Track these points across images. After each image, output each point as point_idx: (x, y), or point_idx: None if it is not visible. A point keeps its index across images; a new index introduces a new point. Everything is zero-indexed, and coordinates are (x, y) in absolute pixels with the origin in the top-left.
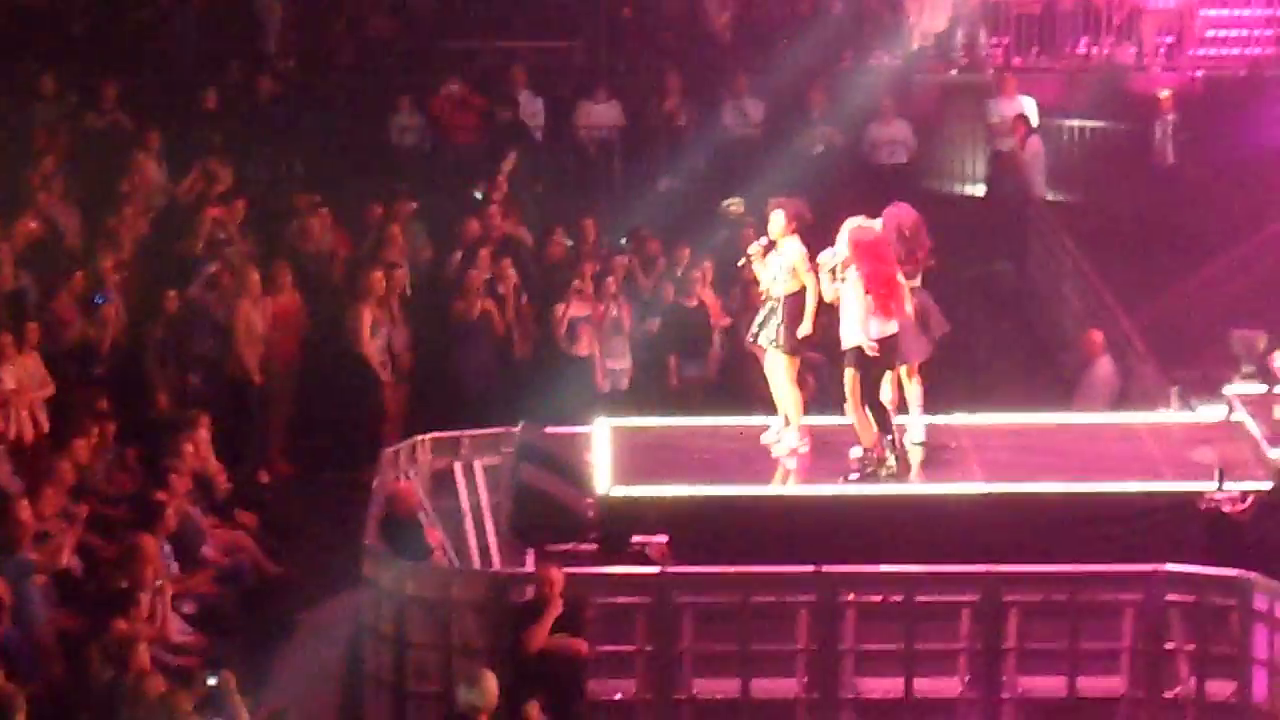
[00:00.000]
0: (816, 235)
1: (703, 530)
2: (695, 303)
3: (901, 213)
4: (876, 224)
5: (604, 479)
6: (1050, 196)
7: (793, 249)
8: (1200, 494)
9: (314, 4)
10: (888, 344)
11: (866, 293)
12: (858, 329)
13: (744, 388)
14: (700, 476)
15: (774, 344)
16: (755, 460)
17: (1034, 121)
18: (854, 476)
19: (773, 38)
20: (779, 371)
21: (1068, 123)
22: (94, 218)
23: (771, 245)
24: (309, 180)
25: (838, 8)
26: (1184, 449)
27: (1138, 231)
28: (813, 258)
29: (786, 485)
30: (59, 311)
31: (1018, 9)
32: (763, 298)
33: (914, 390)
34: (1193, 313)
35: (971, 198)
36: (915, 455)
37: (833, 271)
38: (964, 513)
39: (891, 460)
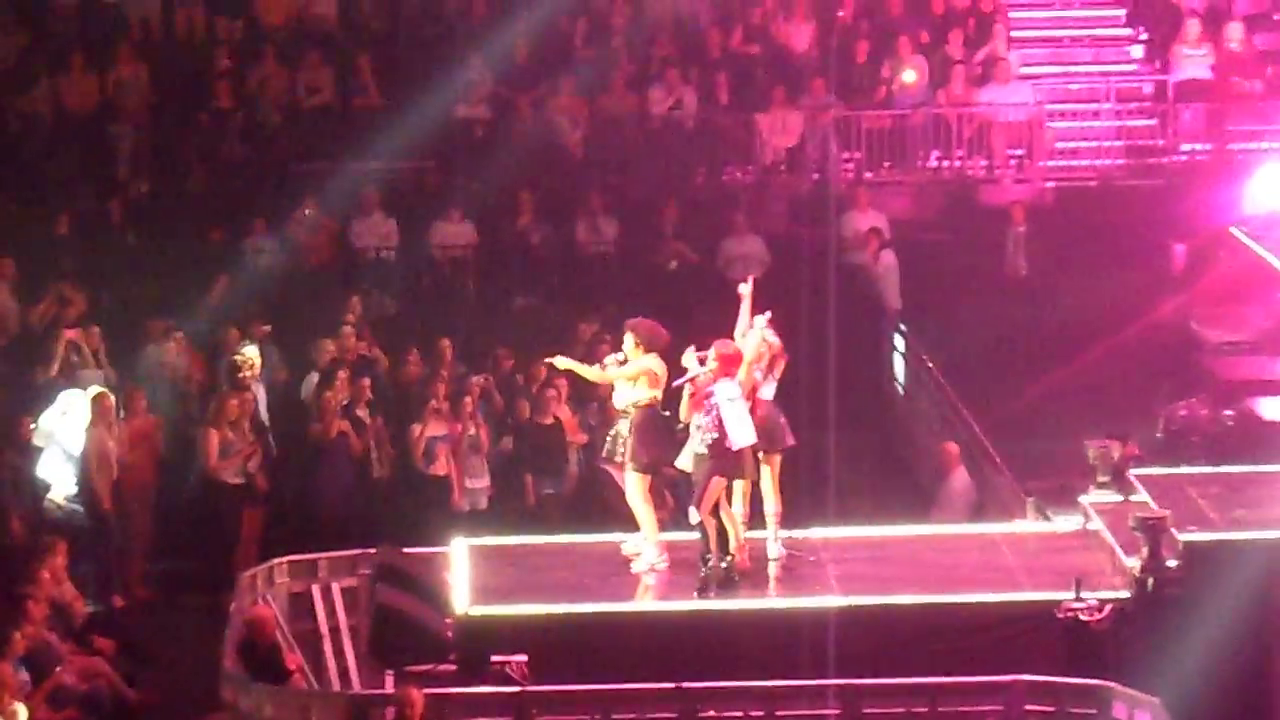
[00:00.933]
0: (675, 355)
1: (562, 648)
2: (551, 420)
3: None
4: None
5: (462, 599)
6: (903, 308)
7: (640, 366)
8: (1058, 604)
9: (165, 130)
10: (752, 451)
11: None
12: (740, 436)
13: (602, 505)
14: (559, 595)
15: (626, 462)
16: (614, 578)
17: (886, 234)
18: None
19: (625, 154)
20: (633, 488)
21: (920, 236)
22: None
23: (624, 363)
24: (163, 305)
25: (690, 124)
26: (1041, 559)
27: (991, 342)
28: (672, 375)
29: (645, 602)
30: None
31: (868, 123)
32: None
33: (772, 506)
34: (1048, 422)
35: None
36: (772, 569)
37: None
38: (823, 626)
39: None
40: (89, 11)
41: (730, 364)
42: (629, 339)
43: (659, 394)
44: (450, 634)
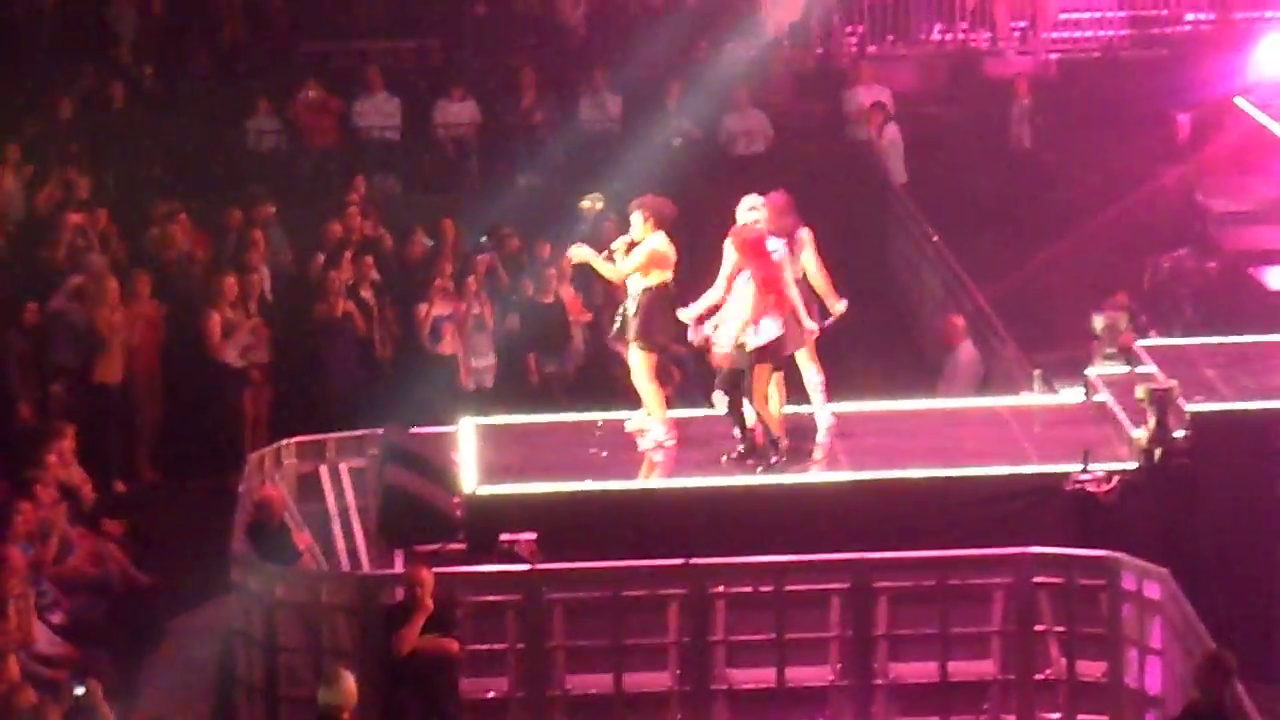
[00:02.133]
0: (679, 230)
1: (571, 526)
2: (553, 299)
3: (778, 199)
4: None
5: (470, 478)
6: (908, 183)
7: (650, 245)
8: (1066, 476)
9: (168, 11)
10: (780, 342)
11: (766, 293)
12: (754, 329)
13: (606, 382)
14: (566, 472)
15: (633, 340)
16: (621, 455)
17: (890, 109)
18: (762, 467)
19: (628, 31)
20: (639, 367)
21: (924, 109)
22: None
23: (634, 244)
24: (167, 186)
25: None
26: (1048, 431)
27: (996, 215)
28: (680, 252)
29: (653, 479)
30: None
31: None
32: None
33: (814, 379)
34: (1053, 294)
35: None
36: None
37: (620, 252)
38: (831, 501)
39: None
40: None
41: (753, 250)
42: (637, 217)
43: (669, 274)
44: (458, 513)
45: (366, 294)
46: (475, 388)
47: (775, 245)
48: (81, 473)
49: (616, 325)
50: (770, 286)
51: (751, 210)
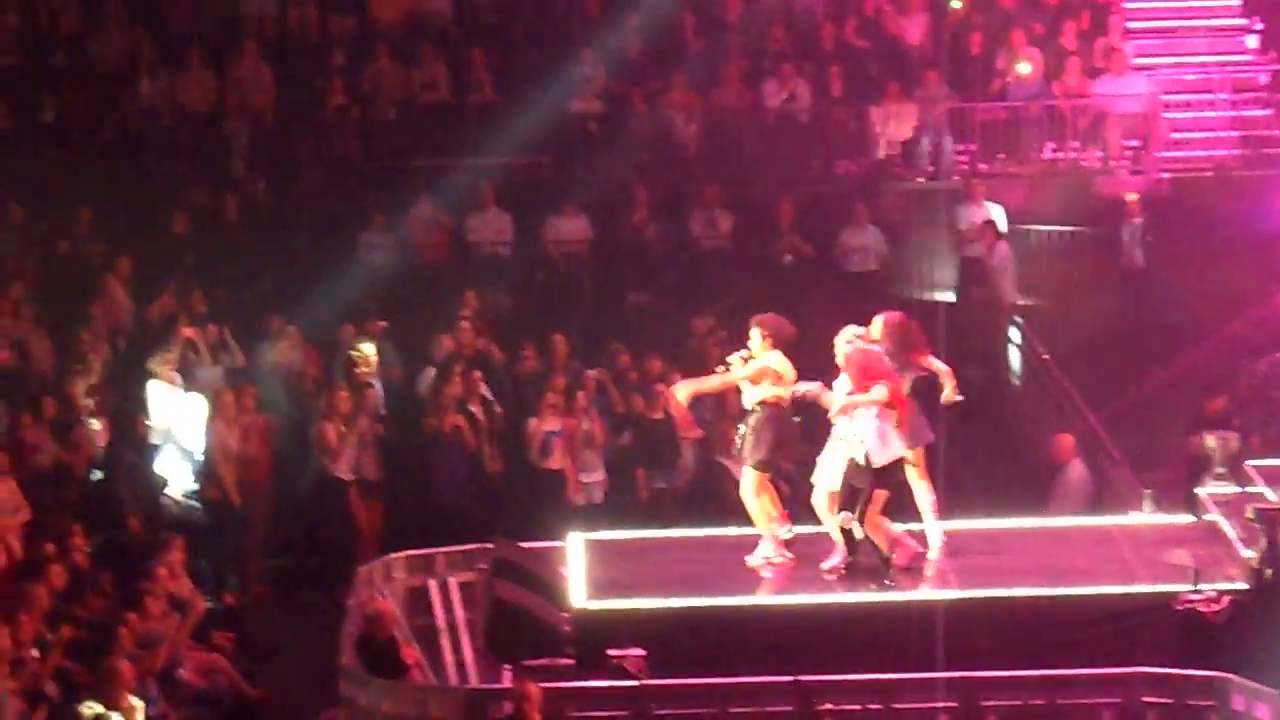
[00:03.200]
0: (796, 348)
1: (679, 642)
2: (662, 415)
3: (895, 320)
4: (867, 330)
5: (579, 593)
6: (1020, 301)
7: (768, 363)
8: (1176, 595)
9: (281, 125)
10: (904, 460)
11: (891, 407)
12: (888, 450)
13: (716, 499)
14: (675, 588)
15: (747, 458)
16: (730, 571)
17: (1002, 227)
18: (880, 584)
19: (740, 148)
20: (748, 484)
21: (1035, 228)
22: (64, 343)
23: (749, 360)
24: (279, 300)
25: (804, 118)
26: (1158, 551)
27: (1107, 335)
28: (797, 371)
29: (762, 595)
30: (29, 437)
31: (983, 115)
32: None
33: (926, 497)
34: (1164, 414)
35: (941, 304)
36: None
37: (737, 366)
38: (940, 619)
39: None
40: (205, 9)
41: (874, 370)
42: (756, 333)
43: (784, 391)
44: (567, 628)
45: (476, 409)
46: (584, 503)
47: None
48: (191, 585)
49: (737, 444)
50: (893, 403)
51: (851, 343)
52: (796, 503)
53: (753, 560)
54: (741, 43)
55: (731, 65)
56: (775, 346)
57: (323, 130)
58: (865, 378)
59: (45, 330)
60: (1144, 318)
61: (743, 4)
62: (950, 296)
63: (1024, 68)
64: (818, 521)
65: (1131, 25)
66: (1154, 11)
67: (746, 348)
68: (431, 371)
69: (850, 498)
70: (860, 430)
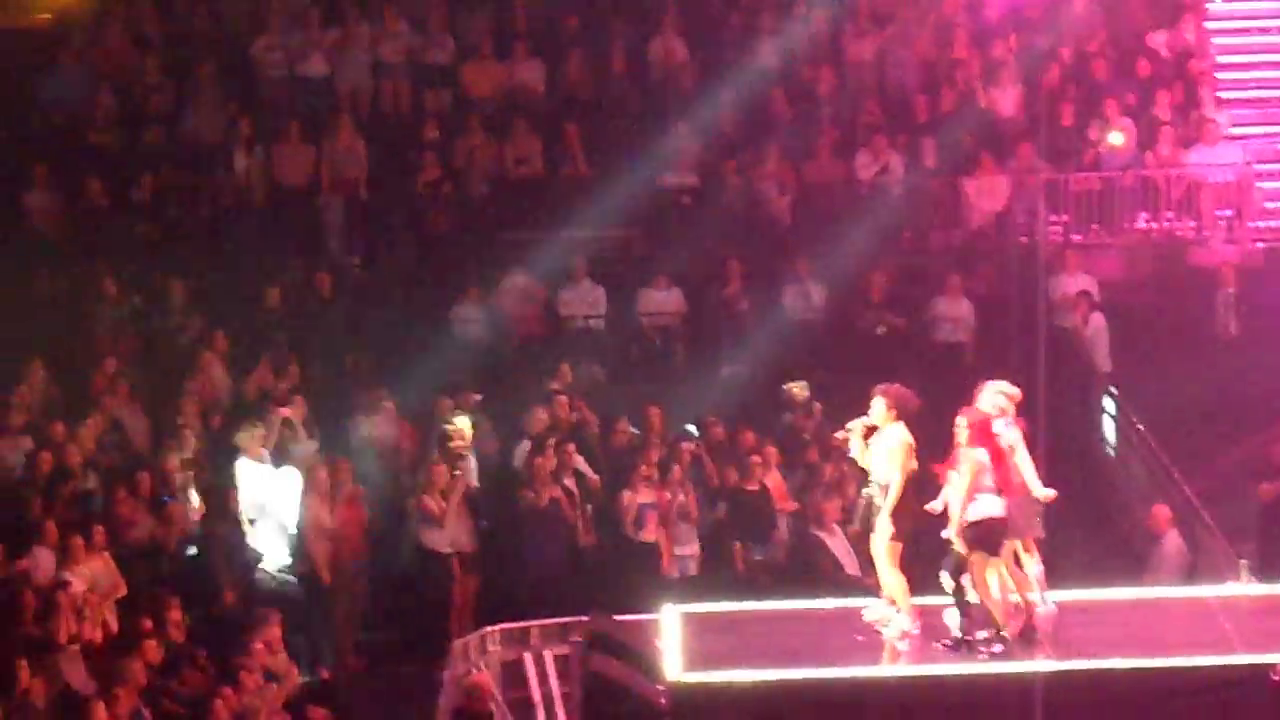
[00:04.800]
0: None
1: (776, 714)
2: (758, 487)
3: (1000, 387)
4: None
5: (675, 665)
6: (1113, 371)
7: (895, 435)
8: (1273, 666)
9: (374, 200)
10: (998, 523)
11: (983, 473)
12: (977, 509)
13: (811, 571)
14: (771, 660)
15: (882, 530)
16: (827, 642)
17: (1096, 297)
18: (984, 654)
19: (832, 220)
20: (885, 555)
21: (1129, 298)
22: (160, 417)
23: (873, 429)
24: (373, 376)
25: (897, 189)
26: (1256, 621)
27: (1201, 404)
28: (919, 445)
29: (860, 667)
30: (125, 512)
31: (1076, 186)
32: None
33: (1034, 568)
34: (1258, 483)
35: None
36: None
37: (864, 437)
38: (1039, 690)
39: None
40: (298, 84)
41: (981, 434)
42: (879, 403)
43: (914, 463)
44: (664, 701)
45: (570, 482)
46: (679, 575)
47: (1003, 429)
48: (287, 659)
49: (860, 513)
50: (993, 467)
51: (997, 395)
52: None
53: (889, 633)
54: (834, 114)
55: (824, 137)
56: (899, 418)
57: (416, 204)
58: (978, 438)
59: (141, 405)
60: (1238, 387)
61: (835, 76)
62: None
63: (1117, 138)
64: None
65: (1224, 95)
66: (1246, 82)
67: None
68: (526, 445)
69: (957, 563)
70: (959, 491)
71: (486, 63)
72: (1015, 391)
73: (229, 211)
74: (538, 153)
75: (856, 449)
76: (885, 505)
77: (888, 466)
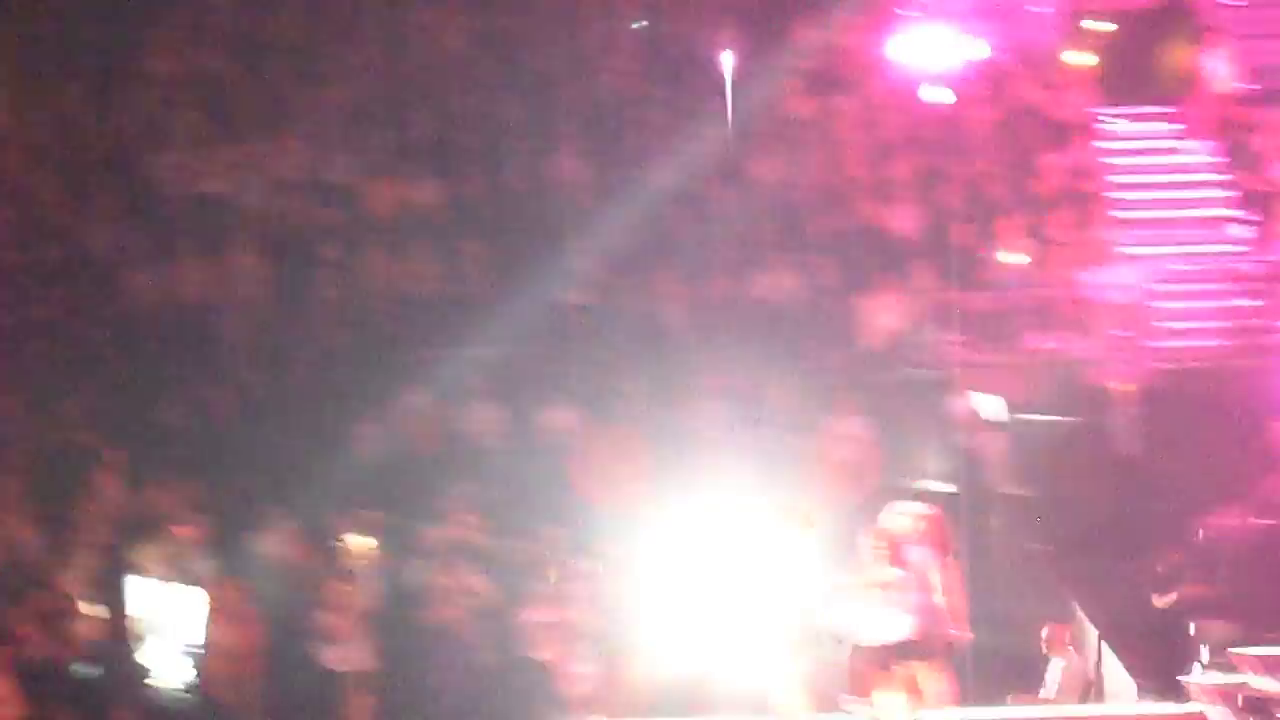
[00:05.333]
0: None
1: None
2: None
3: (909, 507)
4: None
5: None
6: (1012, 492)
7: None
8: None
9: (273, 318)
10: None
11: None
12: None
13: None
14: None
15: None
16: None
17: (994, 418)
18: None
19: (731, 341)
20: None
21: (1027, 417)
22: (55, 536)
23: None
24: (272, 493)
25: (794, 308)
26: None
27: (1103, 525)
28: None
29: None
30: (18, 631)
31: (972, 306)
32: None
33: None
34: (1154, 606)
35: (934, 493)
36: None
37: None
38: None
39: None
40: (196, 202)
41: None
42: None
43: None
44: None
45: (469, 600)
46: (577, 692)
47: (916, 550)
48: None
49: None
50: (902, 587)
51: (900, 516)
52: None
53: None
54: (731, 234)
55: (720, 256)
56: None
57: (314, 323)
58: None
59: (36, 523)
60: (1139, 506)
61: (734, 196)
62: (942, 487)
63: (1012, 258)
64: None
65: (1119, 215)
66: (1142, 202)
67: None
68: (422, 563)
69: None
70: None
71: (385, 180)
72: (926, 511)
73: (127, 329)
74: (436, 270)
75: None
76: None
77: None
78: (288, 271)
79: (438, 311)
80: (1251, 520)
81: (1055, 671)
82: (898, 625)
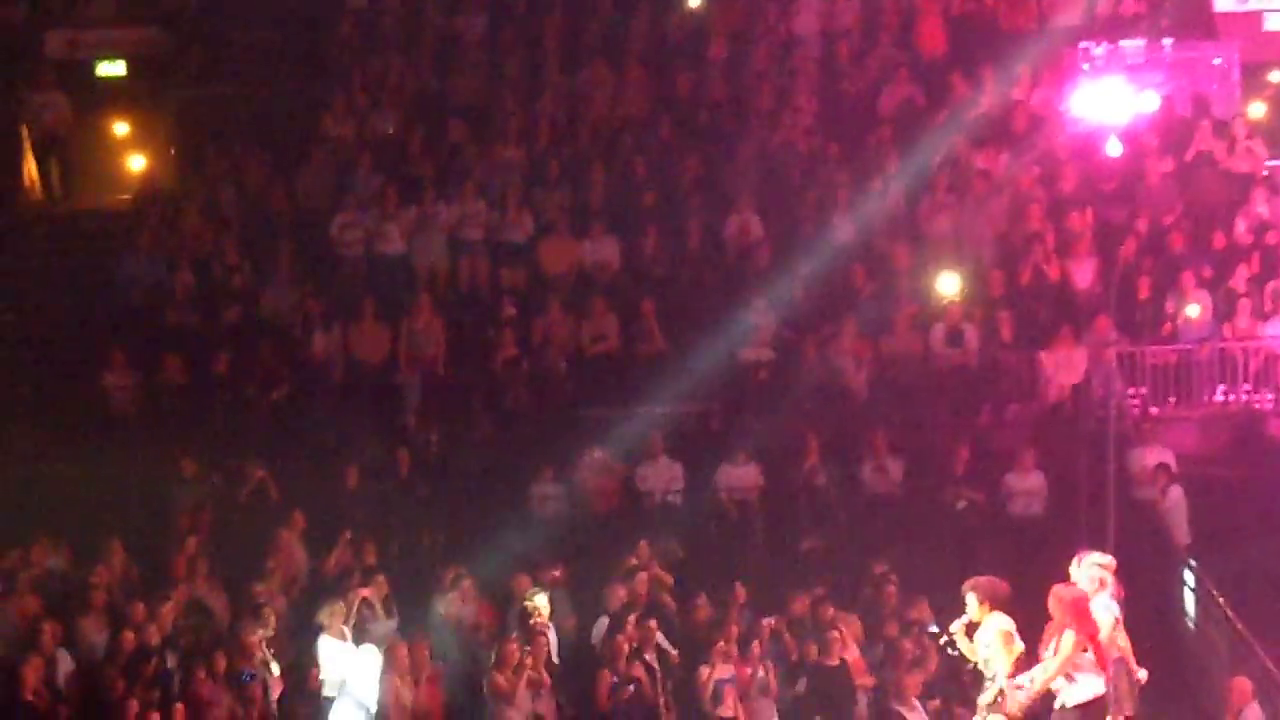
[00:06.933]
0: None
1: None
2: (837, 662)
3: (1095, 558)
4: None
5: None
6: (1191, 543)
7: (993, 626)
8: None
9: (452, 377)
10: (1101, 702)
11: (1084, 650)
12: (1078, 691)
13: None
14: None
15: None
16: None
17: (1174, 470)
18: None
19: (910, 394)
20: None
21: (1207, 470)
22: (239, 596)
23: (973, 624)
24: (452, 553)
25: (973, 363)
26: None
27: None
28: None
29: None
30: (204, 692)
31: (1153, 359)
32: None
33: None
34: None
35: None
36: None
37: (960, 634)
38: None
39: None
40: (375, 263)
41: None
42: (972, 599)
43: (1020, 645)
44: None
45: (650, 657)
46: None
47: (1105, 602)
48: None
49: (990, 696)
50: (1089, 645)
51: (1093, 568)
52: None
53: None
54: (910, 288)
55: (900, 311)
56: (993, 609)
57: (493, 381)
58: (1066, 613)
59: (220, 583)
60: None
61: (911, 251)
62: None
63: (1193, 310)
64: None
65: None
66: None
67: (964, 614)
68: (605, 621)
69: None
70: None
71: (563, 240)
72: (1110, 561)
73: (307, 389)
74: (614, 329)
75: (965, 648)
76: (1022, 694)
77: (995, 657)
78: (467, 332)
79: (616, 370)
80: None
81: None
82: (1091, 685)
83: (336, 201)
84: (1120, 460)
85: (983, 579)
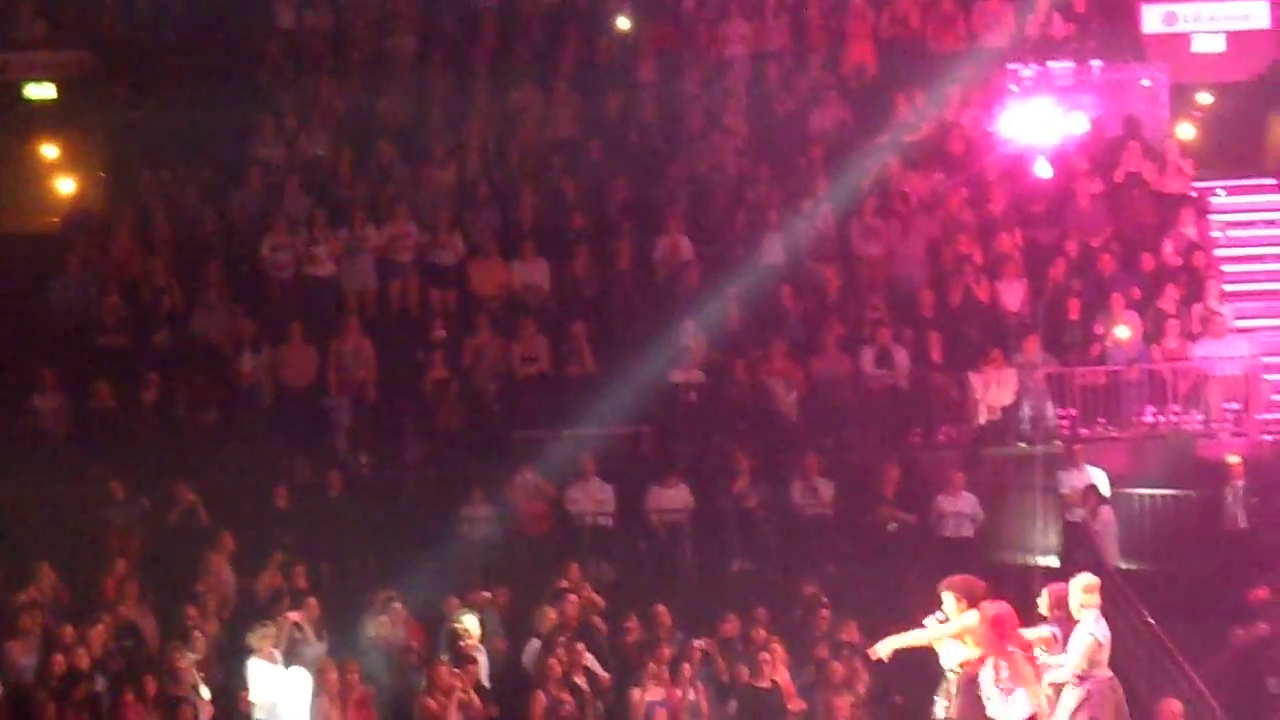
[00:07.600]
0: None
1: None
2: (769, 684)
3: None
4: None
5: None
6: (1123, 565)
7: (966, 621)
8: None
9: (383, 399)
10: None
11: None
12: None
13: None
14: None
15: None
16: None
17: (1104, 491)
18: None
19: (840, 416)
20: None
21: (1138, 491)
22: (169, 618)
23: (945, 622)
24: (381, 575)
25: (903, 384)
26: None
27: (1210, 597)
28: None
29: None
30: (132, 715)
31: (1083, 380)
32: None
33: None
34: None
35: (1044, 569)
36: None
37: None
38: None
39: None
40: (305, 285)
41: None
42: (949, 598)
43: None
44: None
45: (581, 680)
46: None
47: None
48: None
49: (941, 706)
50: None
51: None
52: None
53: None
54: (840, 310)
55: (830, 333)
56: (970, 607)
57: (424, 403)
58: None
59: (150, 606)
60: (1247, 579)
61: (842, 274)
62: (1052, 562)
63: (1123, 332)
64: None
65: (1229, 288)
66: (1252, 275)
67: (940, 611)
68: (536, 643)
69: None
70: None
71: (493, 261)
72: (1094, 581)
73: (237, 412)
74: (545, 351)
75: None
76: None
77: (959, 655)
78: (397, 353)
79: (547, 392)
80: None
81: None
82: (1033, 701)
83: (267, 224)
84: (1050, 482)
85: (958, 578)
